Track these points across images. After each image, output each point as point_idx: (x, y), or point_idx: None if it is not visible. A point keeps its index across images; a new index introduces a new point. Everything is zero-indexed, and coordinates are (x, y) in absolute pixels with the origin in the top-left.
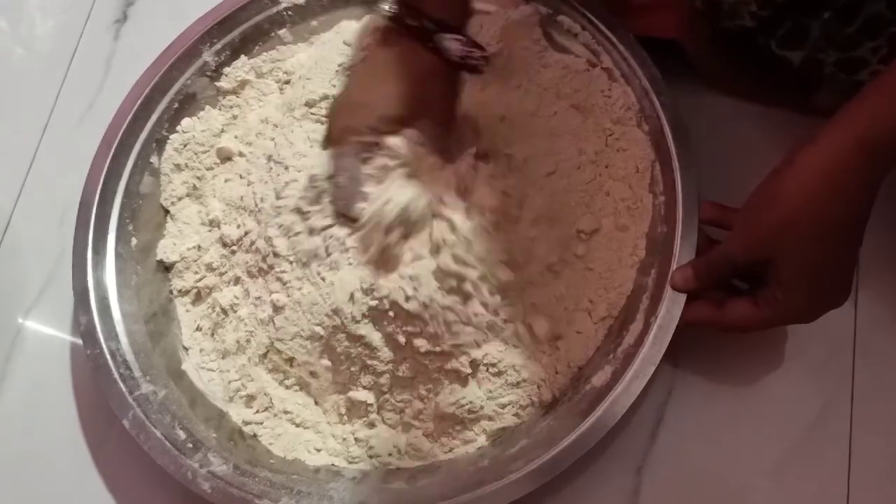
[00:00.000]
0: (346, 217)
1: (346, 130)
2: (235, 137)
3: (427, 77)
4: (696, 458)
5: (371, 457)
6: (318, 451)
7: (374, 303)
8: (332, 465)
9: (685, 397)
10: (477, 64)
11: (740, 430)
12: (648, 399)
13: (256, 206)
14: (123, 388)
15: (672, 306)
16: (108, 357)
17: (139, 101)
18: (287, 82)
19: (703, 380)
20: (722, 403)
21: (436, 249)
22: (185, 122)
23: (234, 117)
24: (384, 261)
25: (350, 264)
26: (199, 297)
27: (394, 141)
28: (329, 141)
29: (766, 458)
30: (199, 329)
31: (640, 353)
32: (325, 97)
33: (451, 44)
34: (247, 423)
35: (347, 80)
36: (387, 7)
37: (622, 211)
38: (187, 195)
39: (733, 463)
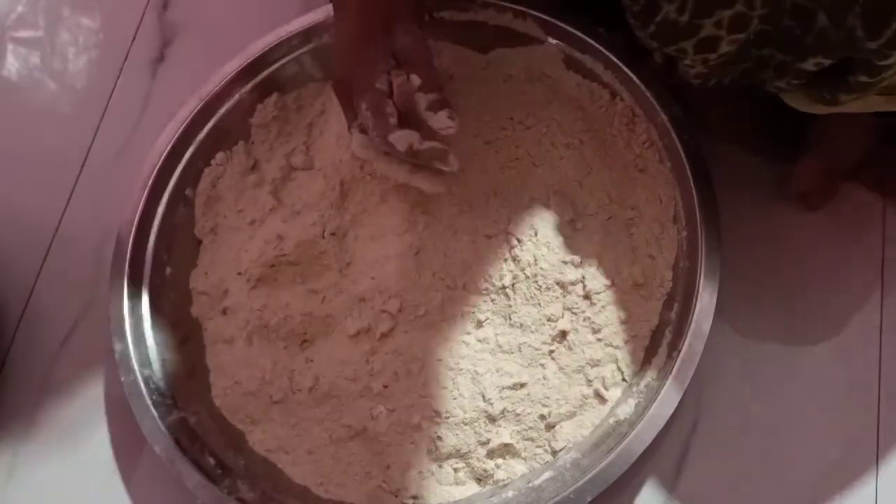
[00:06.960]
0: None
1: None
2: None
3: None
4: (721, 493)
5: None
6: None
7: None
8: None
9: (709, 432)
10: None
11: (765, 466)
12: (672, 433)
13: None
14: (156, 415)
15: (695, 341)
16: (142, 384)
17: (176, 136)
18: (322, 113)
19: (727, 416)
20: (747, 440)
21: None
22: (219, 155)
23: (269, 150)
24: None
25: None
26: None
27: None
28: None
29: (794, 496)
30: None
31: (664, 386)
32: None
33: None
34: (269, 451)
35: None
36: None
37: (650, 240)
38: (219, 226)
39: (759, 499)
